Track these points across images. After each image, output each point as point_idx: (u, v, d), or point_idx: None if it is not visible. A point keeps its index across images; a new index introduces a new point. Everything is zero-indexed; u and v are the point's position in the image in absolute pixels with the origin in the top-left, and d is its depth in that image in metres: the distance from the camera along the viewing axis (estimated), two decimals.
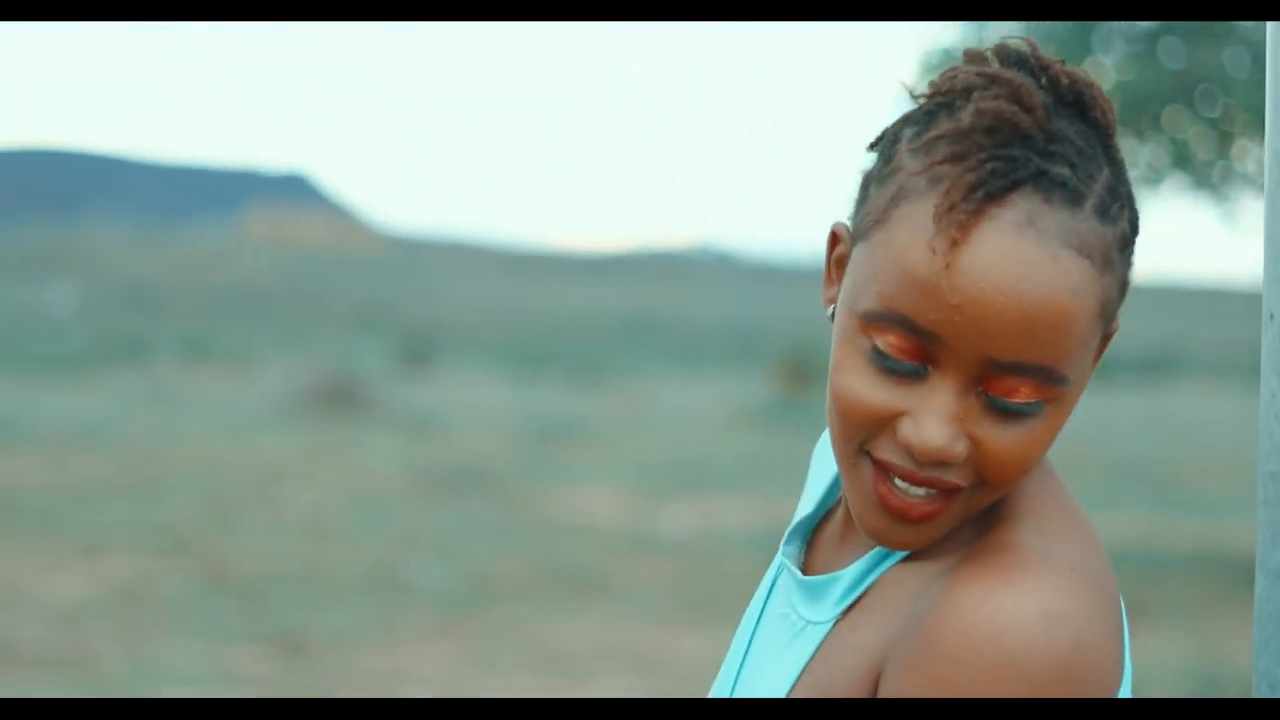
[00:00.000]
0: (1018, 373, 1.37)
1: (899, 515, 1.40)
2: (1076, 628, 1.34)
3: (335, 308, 39.94)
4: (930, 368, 1.39)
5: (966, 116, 1.40)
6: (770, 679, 1.50)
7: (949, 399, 1.38)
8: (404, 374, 26.35)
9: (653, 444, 20.49)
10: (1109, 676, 1.37)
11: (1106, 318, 1.41)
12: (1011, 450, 1.39)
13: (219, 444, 16.17)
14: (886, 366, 1.39)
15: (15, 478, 13.61)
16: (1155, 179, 12.48)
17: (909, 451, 1.39)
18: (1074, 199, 1.38)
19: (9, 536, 11.08)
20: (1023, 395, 1.38)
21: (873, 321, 1.39)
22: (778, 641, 1.54)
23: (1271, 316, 1.64)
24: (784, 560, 1.57)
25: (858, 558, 1.50)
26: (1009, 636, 1.32)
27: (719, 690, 1.59)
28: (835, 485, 1.62)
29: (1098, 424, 31.25)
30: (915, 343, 1.38)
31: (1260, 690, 1.65)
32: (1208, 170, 12.43)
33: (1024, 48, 1.45)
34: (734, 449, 21.11)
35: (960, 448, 1.38)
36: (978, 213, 1.36)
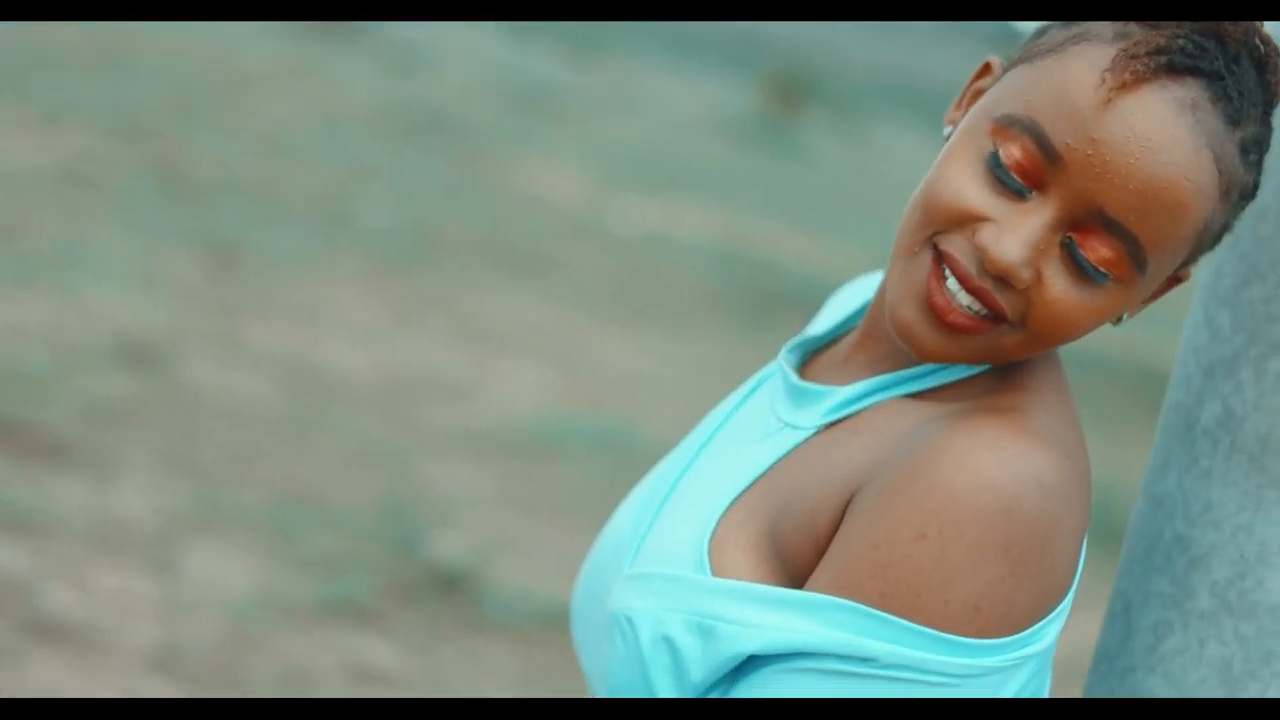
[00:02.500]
0: (1112, 231, 1.39)
1: (935, 314, 1.42)
2: (1061, 506, 1.39)
3: None
4: (1035, 193, 1.41)
5: None
6: (733, 469, 1.52)
7: (1039, 227, 1.40)
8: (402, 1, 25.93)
9: (627, 130, 20.38)
10: (1068, 563, 1.41)
11: (1197, 243, 1.44)
12: (1063, 305, 1.41)
13: (201, 36, 15.98)
14: (997, 174, 1.41)
15: None
16: None
17: (980, 255, 1.41)
18: (1233, 118, 1.41)
19: None
20: (1103, 258, 1.40)
21: (1008, 125, 1.42)
22: (749, 436, 1.56)
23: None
24: (781, 363, 1.59)
25: (855, 380, 1.52)
26: (1005, 488, 1.36)
27: (672, 466, 1.62)
28: (853, 317, 1.65)
29: None
30: (1037, 161, 1.40)
31: (1115, 607, 1.66)
32: None
33: None
34: (706, 154, 21.03)
35: (1026, 274, 1.40)
36: (1155, 73, 1.39)
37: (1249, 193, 1.46)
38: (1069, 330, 1.42)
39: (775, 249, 16.21)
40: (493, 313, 9.34)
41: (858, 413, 1.48)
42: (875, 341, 1.52)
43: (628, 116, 22.11)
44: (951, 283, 1.42)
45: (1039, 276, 1.41)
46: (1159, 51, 1.40)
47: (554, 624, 5.16)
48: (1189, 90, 1.40)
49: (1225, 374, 1.60)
